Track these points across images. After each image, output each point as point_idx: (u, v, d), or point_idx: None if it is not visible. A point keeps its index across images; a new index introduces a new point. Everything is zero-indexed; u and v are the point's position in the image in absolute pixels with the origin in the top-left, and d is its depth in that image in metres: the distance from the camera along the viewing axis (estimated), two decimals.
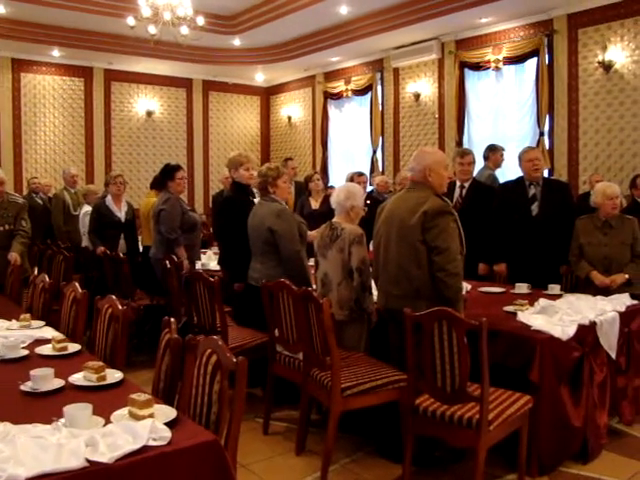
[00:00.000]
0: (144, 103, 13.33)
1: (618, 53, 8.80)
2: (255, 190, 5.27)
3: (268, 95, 15.19)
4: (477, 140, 10.17)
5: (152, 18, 8.30)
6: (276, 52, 12.43)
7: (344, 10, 10.09)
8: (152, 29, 8.39)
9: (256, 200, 5.11)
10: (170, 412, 2.21)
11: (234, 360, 2.19)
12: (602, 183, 5.37)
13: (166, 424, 2.09)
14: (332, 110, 13.33)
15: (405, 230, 3.62)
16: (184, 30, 8.55)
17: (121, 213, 6.93)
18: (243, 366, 2.17)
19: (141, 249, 7.01)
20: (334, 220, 4.20)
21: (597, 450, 3.81)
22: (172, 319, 2.73)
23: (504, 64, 10.07)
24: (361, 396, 3.47)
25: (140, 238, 7.16)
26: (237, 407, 2.19)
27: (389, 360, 3.81)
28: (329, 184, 12.20)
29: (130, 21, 8.29)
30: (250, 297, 4.63)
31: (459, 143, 10.56)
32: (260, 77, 14.39)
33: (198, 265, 6.12)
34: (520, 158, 5.31)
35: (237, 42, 11.93)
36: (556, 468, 3.63)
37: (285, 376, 4.14)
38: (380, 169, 11.94)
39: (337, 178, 12.50)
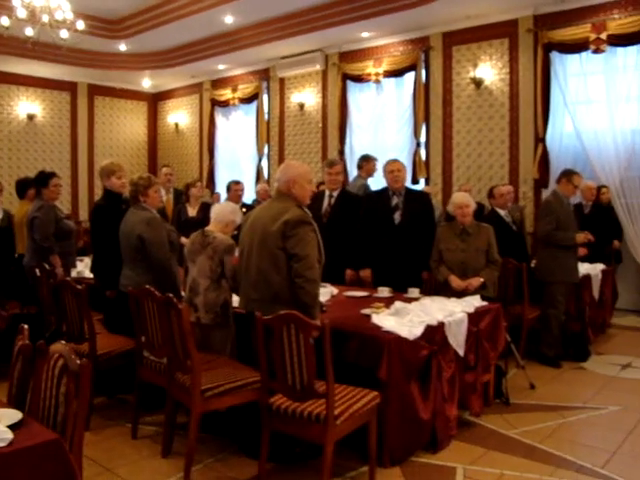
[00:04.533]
0: (25, 106, 12.88)
1: (487, 70, 9.41)
2: None
3: (155, 101, 15.05)
4: (358, 149, 10.50)
5: (29, 20, 8.09)
6: (163, 58, 12.37)
7: (229, 19, 10.21)
8: (29, 31, 8.16)
9: None
10: (15, 415, 2.27)
11: (78, 362, 2.29)
12: (455, 193, 5.78)
13: (10, 427, 2.16)
14: (219, 118, 13.39)
15: (266, 237, 3.80)
16: (64, 34, 8.39)
17: None
18: (86, 369, 2.27)
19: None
20: (207, 228, 4.38)
21: (446, 440, 4.12)
22: (25, 326, 2.77)
23: (384, 77, 10.51)
24: (221, 397, 3.62)
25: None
26: (81, 408, 2.28)
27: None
28: (215, 191, 12.25)
29: (4, 21, 7.99)
30: (121, 304, 4.68)
31: (341, 152, 10.91)
32: (147, 83, 14.23)
33: (73, 273, 6.07)
34: (384, 169, 5.61)
35: (123, 47, 11.80)
36: (407, 458, 3.89)
37: (152, 381, 4.22)
38: (265, 177, 12.11)
39: (223, 185, 12.48)
